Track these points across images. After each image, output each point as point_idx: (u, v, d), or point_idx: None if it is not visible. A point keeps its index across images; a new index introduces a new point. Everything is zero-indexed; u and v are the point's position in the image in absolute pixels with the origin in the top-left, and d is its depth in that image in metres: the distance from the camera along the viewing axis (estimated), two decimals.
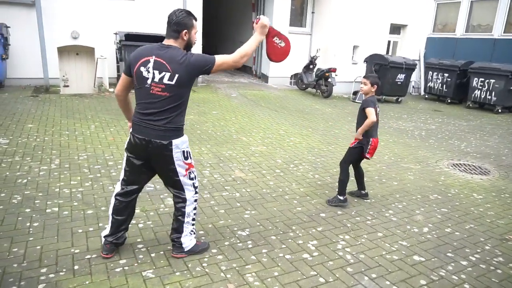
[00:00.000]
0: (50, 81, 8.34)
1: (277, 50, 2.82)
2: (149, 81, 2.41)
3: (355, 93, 10.74)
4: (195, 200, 2.71)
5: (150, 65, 2.39)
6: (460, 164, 5.55)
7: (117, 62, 9.23)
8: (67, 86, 9.14)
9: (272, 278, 2.57)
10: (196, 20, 2.51)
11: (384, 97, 10.86)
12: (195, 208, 2.72)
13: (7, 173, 3.96)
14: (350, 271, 2.71)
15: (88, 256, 2.67)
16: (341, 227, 3.38)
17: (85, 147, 4.97)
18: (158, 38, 8.81)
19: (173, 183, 2.63)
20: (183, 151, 2.54)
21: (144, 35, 8.73)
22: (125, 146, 2.62)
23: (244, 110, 8.03)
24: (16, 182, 3.76)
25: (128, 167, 2.61)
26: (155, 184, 3.98)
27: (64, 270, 2.50)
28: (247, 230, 3.20)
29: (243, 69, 13.50)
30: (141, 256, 2.72)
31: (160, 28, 9.28)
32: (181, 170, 2.56)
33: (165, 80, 2.38)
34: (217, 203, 3.67)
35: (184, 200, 2.66)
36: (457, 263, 2.90)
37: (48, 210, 3.27)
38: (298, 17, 11.96)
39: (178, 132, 2.51)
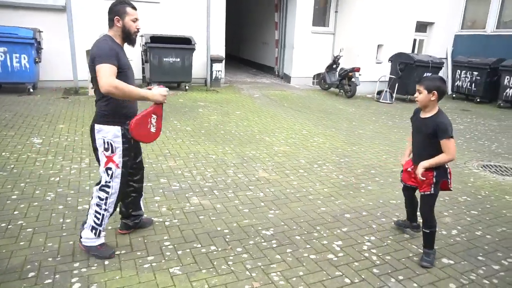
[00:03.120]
0: (79, 83, 8.64)
1: (144, 130, 2.52)
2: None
3: (379, 92, 10.55)
4: (99, 198, 2.57)
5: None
6: (490, 165, 5.36)
7: (142, 64, 9.46)
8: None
9: (297, 277, 2.57)
10: (133, 8, 2.53)
11: (409, 96, 10.61)
12: (98, 205, 2.57)
13: (41, 171, 4.14)
14: (376, 273, 2.67)
15: (118, 252, 2.76)
16: (366, 228, 3.34)
17: None
18: (182, 40, 8.98)
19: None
20: (104, 140, 2.49)
21: (169, 37, 8.91)
22: None
23: (267, 110, 8.04)
24: (50, 180, 3.93)
25: None
26: (180, 183, 4.07)
27: (95, 265, 2.60)
28: (271, 229, 3.22)
29: (266, 70, 13.52)
30: (168, 253, 2.79)
31: (185, 29, 9.46)
32: (101, 157, 2.55)
33: (89, 62, 2.44)
34: (241, 202, 3.71)
35: (98, 183, 2.63)
36: (489, 267, 2.81)
37: (79, 207, 3.40)
38: (321, 16, 11.87)
39: (102, 119, 2.48)
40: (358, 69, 9.94)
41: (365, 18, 11.01)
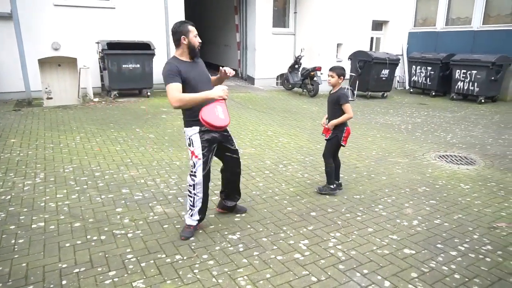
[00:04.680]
0: (33, 94, 8.22)
1: (215, 117, 2.82)
2: None
3: None
4: (189, 185, 3.07)
5: None
6: (446, 155, 5.62)
7: (101, 72, 9.14)
8: (51, 98, 9.02)
9: (264, 280, 2.55)
10: (192, 25, 2.96)
11: (369, 93, 10.96)
12: (190, 192, 3.08)
13: None
14: (342, 268, 2.71)
15: (77, 270, 2.62)
16: (332, 224, 3.38)
17: (71, 159, 4.89)
18: (141, 45, 8.77)
19: None
20: (189, 138, 3.02)
21: (127, 43, 8.66)
22: None
23: (231, 113, 7.96)
24: (0, 199, 3.68)
25: None
26: (143, 193, 3.94)
27: (51, 286, 2.45)
28: (238, 233, 3.18)
29: None
30: (131, 267, 2.68)
31: (143, 34, 9.23)
32: (188, 152, 3.08)
33: None
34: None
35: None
36: (447, 254, 2.93)
37: (33, 226, 3.21)
38: (281, 17, 12.01)
39: (187, 123, 3.02)
40: (319, 68, 10.14)
41: (323, 18, 11.26)
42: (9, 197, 3.74)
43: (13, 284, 2.46)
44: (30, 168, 4.53)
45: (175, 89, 2.81)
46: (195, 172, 3.04)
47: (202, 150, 3.02)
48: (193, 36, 2.92)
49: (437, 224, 3.44)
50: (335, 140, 3.99)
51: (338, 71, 3.84)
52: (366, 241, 3.11)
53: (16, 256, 2.77)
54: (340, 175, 4.29)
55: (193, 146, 3.02)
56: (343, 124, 3.95)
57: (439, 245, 3.05)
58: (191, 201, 3.10)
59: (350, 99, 10.46)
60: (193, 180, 3.05)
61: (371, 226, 3.36)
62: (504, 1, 11.17)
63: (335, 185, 4.06)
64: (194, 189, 3.06)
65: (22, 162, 4.71)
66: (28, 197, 3.75)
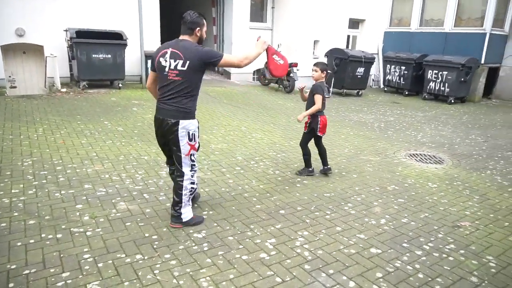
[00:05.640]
0: None
1: (278, 67, 3.39)
2: (166, 69, 2.87)
3: None
4: (192, 176, 3.09)
5: (167, 55, 2.87)
6: (416, 154, 5.71)
7: (69, 61, 8.74)
8: (15, 87, 8.54)
9: (227, 281, 2.47)
10: (205, 19, 3.00)
11: (345, 90, 11.04)
12: (192, 183, 3.10)
13: None
14: (308, 269, 2.66)
15: (27, 271, 2.45)
16: (300, 223, 3.34)
17: (31, 151, 4.63)
18: (113, 35, 8.44)
19: (176, 157, 3.03)
20: (189, 132, 2.95)
21: (96, 32, 8.31)
22: None
23: (205, 107, 7.85)
24: None
25: (158, 144, 3.20)
26: (106, 188, 3.77)
27: None
28: (203, 232, 3.08)
29: None
30: (87, 267, 2.53)
31: (115, 24, 8.89)
32: (184, 149, 2.97)
33: (179, 67, 2.84)
34: None
35: (182, 175, 3.03)
36: (412, 253, 2.94)
37: None
38: (258, 12, 11.88)
39: (187, 115, 2.92)
40: (296, 65, 10.10)
41: (301, 14, 11.22)
42: None
43: None
44: None
45: (231, 55, 3.15)
46: (195, 165, 3.12)
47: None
48: (204, 31, 3.01)
49: (404, 223, 3.46)
50: (311, 132, 4.32)
51: (322, 66, 4.10)
52: (334, 240, 3.08)
53: None
54: (315, 174, 4.27)
55: (194, 140, 3.01)
56: (316, 116, 4.18)
57: (405, 244, 3.07)
58: (190, 193, 3.12)
59: (326, 96, 10.58)
60: (195, 173, 3.11)
61: (339, 225, 3.34)
62: (474, 5, 11.50)
63: (312, 168, 4.44)
64: (195, 183, 3.15)
65: None
66: None
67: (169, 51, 2.87)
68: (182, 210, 3.09)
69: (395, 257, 2.87)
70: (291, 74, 10.13)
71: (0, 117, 5.99)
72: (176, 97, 2.88)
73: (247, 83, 11.48)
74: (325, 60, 11.20)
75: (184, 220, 3.11)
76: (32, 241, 2.80)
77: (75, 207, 3.36)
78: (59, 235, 2.89)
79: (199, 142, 3.13)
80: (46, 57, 8.26)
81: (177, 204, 3.08)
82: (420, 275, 2.66)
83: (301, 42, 11.41)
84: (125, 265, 2.59)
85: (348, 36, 12.95)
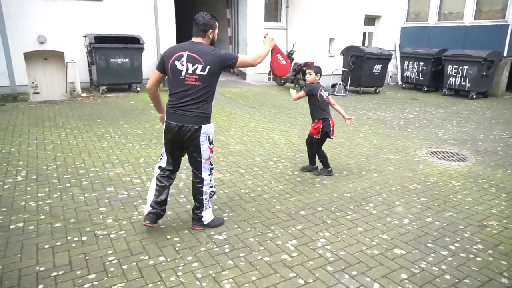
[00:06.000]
0: (18, 89, 8.01)
1: (280, 66, 3.39)
2: (183, 73, 2.78)
3: (333, 86, 10.74)
4: (210, 180, 3.08)
5: (184, 59, 2.77)
6: (438, 151, 5.58)
7: (89, 66, 8.94)
8: (37, 93, 8.80)
9: (249, 283, 2.47)
10: (217, 22, 2.97)
11: (362, 88, 10.90)
12: (211, 186, 3.09)
13: None
14: (330, 270, 2.63)
15: (55, 273, 2.51)
16: (321, 224, 3.31)
17: (55, 156, 4.75)
18: (130, 39, 8.58)
19: (196, 164, 2.99)
20: (209, 136, 2.93)
21: (114, 37, 8.47)
22: (163, 133, 3.00)
23: (222, 108, 7.89)
24: None
25: (166, 148, 3.01)
26: (128, 191, 3.83)
27: None
28: (224, 233, 3.09)
29: None
30: (112, 269, 2.58)
31: (132, 28, 9.03)
32: (205, 154, 2.94)
33: (198, 71, 2.77)
34: None
35: (202, 180, 3.02)
36: (438, 254, 2.87)
37: (12, 226, 3.08)
38: (273, 12, 11.87)
39: (207, 119, 2.89)
40: (311, 63, 10.02)
41: (315, 12, 11.14)
42: None
43: None
44: (12, 165, 4.38)
45: (246, 55, 3.09)
46: (213, 167, 3.13)
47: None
48: (216, 33, 2.98)
49: (428, 222, 3.38)
50: (324, 135, 4.33)
51: (316, 69, 4.31)
52: (356, 241, 3.04)
53: None
54: (334, 174, 4.23)
55: (212, 143, 2.99)
56: (327, 119, 4.28)
57: (429, 245, 3.00)
58: (210, 197, 3.13)
59: (342, 94, 10.48)
60: (212, 176, 3.11)
61: (361, 225, 3.30)
62: None
63: (330, 168, 4.45)
64: (213, 185, 3.14)
65: (3, 159, 4.56)
66: (8, 196, 3.61)
67: (185, 54, 2.77)
68: (203, 213, 3.11)
69: (420, 258, 2.80)
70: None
71: (25, 122, 6.18)
72: (197, 102, 2.81)
73: (263, 83, 11.47)
74: (341, 58, 11.10)
75: (205, 223, 3.13)
76: (58, 243, 2.87)
77: (98, 210, 3.42)
78: (84, 238, 2.96)
79: None
80: (67, 63, 8.48)
81: (198, 208, 3.10)
82: (447, 277, 2.59)
83: (316, 40, 11.33)
84: (148, 267, 2.62)
85: (364, 33, 12.78)
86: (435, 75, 11.21)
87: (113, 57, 8.35)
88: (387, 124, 7.30)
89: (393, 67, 13.10)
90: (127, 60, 8.50)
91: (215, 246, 2.90)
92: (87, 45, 8.47)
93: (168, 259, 2.71)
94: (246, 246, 2.91)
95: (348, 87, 10.66)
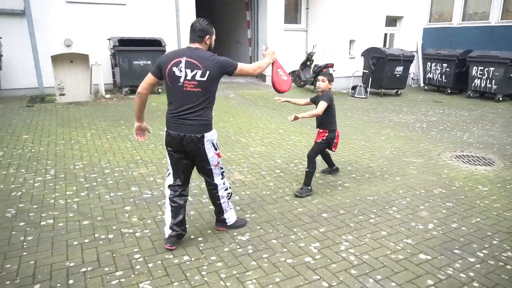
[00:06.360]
0: (46, 90, 8.29)
1: (282, 82, 3.27)
2: (181, 80, 2.67)
3: (353, 88, 10.64)
4: (224, 183, 3.06)
5: (182, 65, 2.67)
6: (463, 155, 5.45)
7: (112, 68, 9.16)
8: (63, 94, 9.06)
9: (273, 284, 2.48)
10: (214, 28, 2.89)
11: (383, 90, 10.75)
12: (226, 189, 3.07)
13: (1, 186, 3.89)
14: (354, 274, 2.61)
15: (84, 269, 2.59)
16: (344, 227, 3.29)
17: (81, 155, 4.89)
18: (152, 42, 8.75)
19: (206, 172, 2.94)
20: (213, 143, 2.85)
21: (138, 40, 8.66)
22: (164, 143, 2.91)
23: (242, 110, 7.94)
24: (10, 195, 3.69)
25: (171, 161, 2.90)
26: (152, 191, 3.91)
27: (58, 285, 2.42)
28: (247, 234, 3.12)
29: None
30: (138, 267, 2.64)
31: (154, 31, 9.21)
32: (213, 161, 2.88)
33: (197, 77, 2.67)
34: None
35: (216, 186, 3.00)
36: (465, 260, 2.80)
37: (42, 223, 3.20)
38: (292, 13, 11.86)
39: (209, 126, 2.81)
40: (331, 65, 9.97)
41: (336, 14, 11.07)
42: (19, 193, 3.74)
43: (21, 282, 2.45)
44: (41, 164, 4.54)
45: (245, 64, 2.95)
46: (224, 170, 3.08)
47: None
48: (213, 39, 2.90)
49: (454, 228, 3.31)
50: (326, 144, 4.08)
51: (329, 77, 4.03)
52: (380, 245, 3.00)
53: (24, 253, 2.76)
54: (352, 175, 4.20)
55: (218, 149, 2.93)
56: (334, 131, 4.06)
57: (456, 251, 2.93)
58: (228, 198, 3.11)
59: (363, 96, 10.37)
60: (225, 178, 3.09)
61: (385, 229, 3.26)
62: None
63: (311, 187, 3.98)
64: (228, 187, 3.12)
65: (33, 158, 4.73)
66: (38, 194, 3.75)
67: (183, 60, 2.65)
68: (225, 215, 3.12)
69: (446, 264, 2.75)
70: None
71: (52, 122, 6.39)
72: (198, 110, 2.70)
73: None
74: (361, 60, 10.99)
75: (229, 224, 3.15)
76: (86, 240, 2.95)
77: (124, 209, 3.51)
78: (110, 236, 3.03)
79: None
80: (91, 65, 8.71)
81: (219, 212, 3.11)
82: (475, 284, 2.53)
83: (337, 42, 11.25)
84: (173, 265, 2.67)
85: (385, 34, 12.60)
86: (459, 77, 10.94)
87: (135, 60, 8.54)
88: (410, 126, 7.17)
89: (415, 68, 12.87)
90: (149, 62, 8.67)
91: (238, 246, 2.93)
92: (111, 48, 8.68)
93: (192, 259, 2.75)
94: (269, 248, 2.92)
95: (369, 89, 10.54)
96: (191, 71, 2.66)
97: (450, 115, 8.33)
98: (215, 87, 2.79)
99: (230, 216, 3.16)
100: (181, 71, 2.66)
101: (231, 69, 2.81)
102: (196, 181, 4.19)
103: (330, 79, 4.03)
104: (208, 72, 2.67)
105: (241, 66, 2.87)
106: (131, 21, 9.18)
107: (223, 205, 3.07)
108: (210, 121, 2.82)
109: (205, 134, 2.76)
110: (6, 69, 7.94)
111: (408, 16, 12.61)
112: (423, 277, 2.59)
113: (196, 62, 2.66)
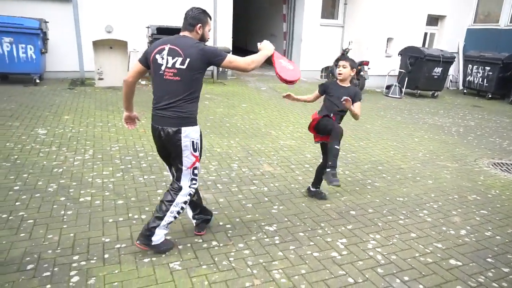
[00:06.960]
0: (86, 74, 8.63)
1: (287, 71, 2.86)
2: (163, 67, 2.50)
3: (388, 87, 10.38)
4: (189, 194, 2.66)
5: (165, 52, 2.49)
6: (502, 163, 5.23)
7: None
8: (102, 79, 9.39)
9: (299, 275, 2.51)
10: (210, 18, 2.70)
11: (419, 91, 10.43)
12: (185, 202, 2.66)
13: (44, 162, 4.12)
14: (381, 273, 2.60)
15: (118, 246, 2.72)
16: (372, 226, 3.26)
17: (117, 138, 5.09)
18: None
19: (176, 169, 2.65)
20: (193, 141, 2.57)
21: (175, 29, 8.78)
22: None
23: (274, 103, 7.95)
24: (52, 172, 3.91)
25: (161, 157, 2.82)
26: None
27: (95, 258, 2.56)
28: (274, 225, 3.16)
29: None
30: None
31: None
32: (186, 162, 2.59)
33: (177, 65, 2.47)
34: (245, 197, 3.65)
35: (180, 188, 2.64)
36: (498, 270, 2.72)
37: (81, 199, 3.37)
38: (330, 9, 11.67)
39: (189, 120, 2.54)
40: (367, 63, 9.76)
41: (374, 10, 10.80)
42: (61, 170, 3.96)
43: (61, 252, 2.61)
44: (80, 144, 4.76)
45: (238, 57, 2.61)
46: (196, 180, 2.70)
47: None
48: (208, 30, 2.67)
49: (488, 236, 3.20)
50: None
51: (351, 62, 3.44)
52: (408, 246, 2.96)
53: (65, 226, 2.93)
54: (383, 175, 4.13)
55: (198, 151, 2.62)
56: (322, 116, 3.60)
57: (489, 259, 2.85)
58: (174, 217, 2.65)
59: (397, 96, 10.11)
60: (193, 190, 2.69)
61: (414, 232, 3.20)
62: None
63: (322, 192, 3.74)
64: (187, 203, 2.72)
65: (73, 138, 4.97)
66: (78, 172, 3.94)
67: (166, 47, 2.48)
68: (157, 231, 2.60)
69: (478, 272, 2.68)
70: (362, 73, 9.81)
71: (91, 105, 6.66)
72: (175, 101, 2.48)
73: (315, 80, 11.36)
74: (398, 59, 10.69)
75: (153, 243, 2.61)
76: (121, 219, 3.09)
77: (156, 192, 3.63)
78: (143, 216, 3.16)
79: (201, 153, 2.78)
80: (130, 52, 8.97)
81: (155, 220, 2.60)
82: None
83: (374, 39, 10.99)
84: (202, 249, 2.75)
85: (425, 34, 12.17)
86: (502, 82, 10.43)
87: None
88: (445, 130, 6.94)
89: (455, 71, 12.37)
90: None
91: (265, 236, 2.97)
92: (149, 36, 8.89)
93: (221, 244, 2.82)
94: (295, 240, 2.95)
95: (403, 89, 10.25)
96: (172, 58, 2.46)
97: (490, 121, 7.98)
98: (197, 78, 2.52)
99: (159, 235, 2.63)
100: (163, 58, 2.48)
101: (217, 59, 2.51)
102: (226, 170, 4.27)
103: (353, 65, 3.45)
104: (188, 60, 2.44)
105: (232, 58, 2.55)
106: (170, 11, 9.35)
107: (167, 215, 2.60)
108: (191, 115, 2.54)
109: (183, 128, 2.50)
110: (51, 52, 8.33)
111: (451, 16, 12.10)
112: (452, 283, 2.54)
113: (178, 49, 2.46)
